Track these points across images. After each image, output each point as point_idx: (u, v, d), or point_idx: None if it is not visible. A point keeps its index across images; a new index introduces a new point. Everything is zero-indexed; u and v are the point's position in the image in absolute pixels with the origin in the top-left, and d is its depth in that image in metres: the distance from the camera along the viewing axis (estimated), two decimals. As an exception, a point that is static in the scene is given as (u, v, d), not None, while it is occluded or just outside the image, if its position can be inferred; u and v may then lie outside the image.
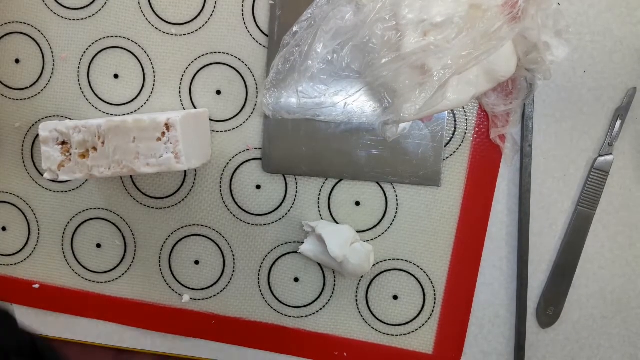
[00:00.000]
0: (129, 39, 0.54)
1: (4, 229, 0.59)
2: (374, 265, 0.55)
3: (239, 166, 0.55)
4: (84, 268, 0.58)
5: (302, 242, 0.55)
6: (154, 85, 0.55)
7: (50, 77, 0.56)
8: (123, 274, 0.58)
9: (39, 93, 0.56)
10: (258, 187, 0.55)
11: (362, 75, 0.47)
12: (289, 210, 0.55)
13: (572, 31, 0.49)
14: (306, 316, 0.57)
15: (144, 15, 0.54)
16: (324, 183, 0.54)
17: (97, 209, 0.57)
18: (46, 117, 0.56)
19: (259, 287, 0.57)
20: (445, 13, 0.43)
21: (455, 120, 0.53)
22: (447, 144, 0.53)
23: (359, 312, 0.56)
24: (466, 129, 0.53)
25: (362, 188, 0.54)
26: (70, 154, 0.47)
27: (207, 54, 0.54)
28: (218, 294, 0.57)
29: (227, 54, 0.54)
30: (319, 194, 0.55)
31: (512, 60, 0.47)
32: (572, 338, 0.55)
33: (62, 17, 0.55)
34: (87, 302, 0.58)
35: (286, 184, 0.55)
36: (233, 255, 0.57)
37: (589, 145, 0.53)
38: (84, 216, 0.57)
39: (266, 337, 0.57)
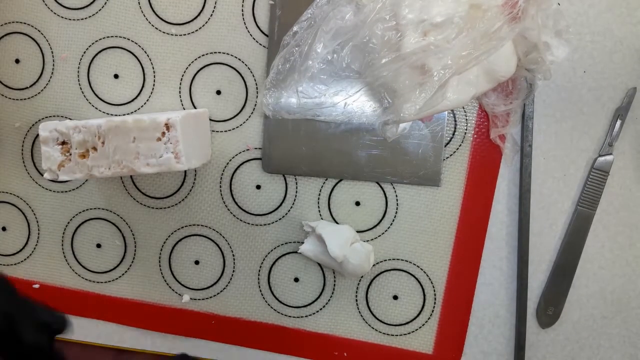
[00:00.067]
0: (129, 39, 0.54)
1: (4, 229, 0.59)
2: (374, 265, 0.55)
3: (239, 166, 0.55)
4: (84, 268, 0.58)
5: (302, 242, 0.55)
6: (154, 85, 0.55)
7: (50, 77, 0.56)
8: (123, 274, 0.58)
9: (39, 93, 0.56)
10: (258, 187, 0.55)
11: (362, 75, 0.47)
12: (289, 210, 0.55)
13: (572, 31, 0.49)
14: (306, 316, 0.57)
15: (144, 15, 0.54)
16: (324, 183, 0.54)
17: (97, 209, 0.57)
18: (46, 117, 0.56)
19: (259, 287, 0.57)
20: (445, 13, 0.43)
21: (455, 120, 0.53)
22: (447, 144, 0.53)
23: (359, 312, 0.56)
24: (466, 129, 0.53)
25: (362, 188, 0.54)
26: (70, 154, 0.47)
27: (207, 54, 0.54)
28: (218, 294, 0.57)
29: (227, 54, 0.54)
30: (319, 194, 0.55)
31: (512, 60, 0.47)
32: (572, 338, 0.55)
33: (62, 17, 0.55)
34: (87, 302, 0.58)
35: (286, 184, 0.55)
36: (233, 255, 0.57)
37: (589, 145, 0.53)
38: (84, 216, 0.57)
39: (266, 337, 0.57)
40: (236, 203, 0.56)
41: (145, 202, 0.56)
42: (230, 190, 0.55)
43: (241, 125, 0.54)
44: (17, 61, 0.56)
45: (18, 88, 0.56)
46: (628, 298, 0.54)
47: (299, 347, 0.57)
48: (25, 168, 0.57)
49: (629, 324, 0.55)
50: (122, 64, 0.55)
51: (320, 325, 0.57)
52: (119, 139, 0.45)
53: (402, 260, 0.55)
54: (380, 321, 0.56)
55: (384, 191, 0.54)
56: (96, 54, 0.55)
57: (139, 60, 0.55)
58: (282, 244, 0.56)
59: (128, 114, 0.55)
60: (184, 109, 0.55)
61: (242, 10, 0.53)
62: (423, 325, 0.56)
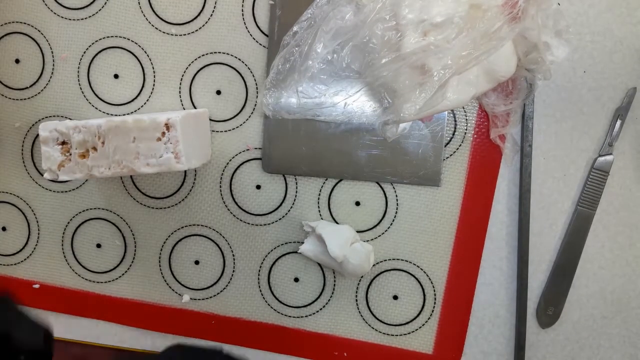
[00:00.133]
0: (129, 39, 0.54)
1: (4, 229, 0.59)
2: (374, 265, 0.55)
3: (239, 166, 0.55)
4: (84, 268, 0.58)
5: (302, 242, 0.55)
6: (154, 85, 0.55)
7: (50, 77, 0.56)
8: (123, 274, 0.58)
9: (39, 93, 0.56)
10: (258, 187, 0.55)
11: (362, 75, 0.47)
12: (289, 210, 0.55)
13: (572, 31, 0.49)
14: (306, 316, 0.57)
15: (144, 15, 0.54)
16: (324, 183, 0.54)
17: (97, 209, 0.57)
18: (46, 117, 0.56)
19: (259, 287, 0.57)
20: (445, 13, 0.43)
21: (455, 120, 0.53)
22: (447, 144, 0.53)
23: (359, 312, 0.56)
24: (466, 129, 0.53)
25: (362, 188, 0.54)
26: (70, 154, 0.47)
27: (207, 54, 0.54)
28: (218, 294, 0.57)
29: (227, 54, 0.54)
30: (319, 194, 0.55)
31: (512, 60, 0.47)
32: (572, 338, 0.55)
33: (62, 17, 0.55)
34: (87, 302, 0.58)
35: (286, 184, 0.55)
36: (233, 255, 0.57)
37: (589, 145, 0.53)
38: (84, 216, 0.57)
39: (266, 337, 0.57)
40: (236, 203, 0.56)
41: (145, 202, 0.56)
42: (230, 190, 0.55)
43: (241, 125, 0.54)
44: (17, 61, 0.56)
45: (18, 88, 0.56)
46: (628, 298, 0.54)
47: (299, 347, 0.57)
48: (25, 168, 0.57)
49: (629, 324, 0.55)
50: (122, 64, 0.55)
51: (320, 325, 0.57)
52: (119, 139, 0.45)
53: (402, 260, 0.55)
54: (380, 321, 0.56)
55: (384, 191, 0.54)
56: (96, 54, 0.55)
57: (139, 60, 0.55)
58: (282, 244, 0.56)
59: (128, 114, 0.55)
60: (184, 109, 0.55)
61: (242, 10, 0.53)
62: (423, 325, 0.56)
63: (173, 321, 0.58)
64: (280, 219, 0.55)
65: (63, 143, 0.47)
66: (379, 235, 0.55)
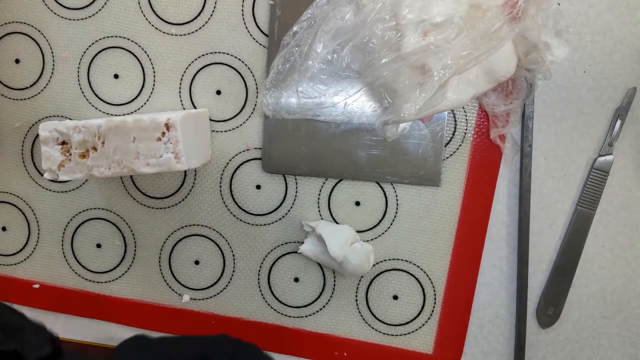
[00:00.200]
0: (129, 39, 0.54)
1: (4, 229, 0.59)
2: (374, 265, 0.55)
3: (239, 166, 0.55)
4: (84, 268, 0.58)
5: (302, 242, 0.55)
6: (154, 85, 0.55)
7: (50, 77, 0.56)
8: (123, 274, 0.58)
9: (39, 93, 0.56)
10: (258, 187, 0.55)
11: (362, 75, 0.47)
12: (289, 210, 0.55)
13: (572, 31, 0.49)
14: (306, 316, 0.57)
15: (144, 15, 0.54)
16: (324, 183, 0.54)
17: (97, 209, 0.57)
18: (46, 117, 0.56)
19: (259, 287, 0.57)
20: (445, 13, 0.43)
21: (455, 120, 0.53)
22: (447, 144, 0.53)
23: (359, 312, 0.56)
24: (466, 129, 0.53)
25: (362, 188, 0.54)
26: (70, 154, 0.47)
27: (207, 54, 0.54)
28: (218, 294, 0.57)
29: (227, 54, 0.54)
30: (319, 194, 0.55)
31: (512, 60, 0.47)
32: (572, 338, 0.55)
33: (62, 17, 0.55)
34: (87, 302, 0.58)
35: (286, 184, 0.55)
36: (233, 255, 0.57)
37: (589, 145, 0.53)
38: (84, 216, 0.57)
39: (266, 337, 0.57)
40: (236, 203, 0.56)
41: (145, 202, 0.56)
42: (230, 190, 0.55)
43: (241, 125, 0.54)
44: (17, 61, 0.56)
45: (18, 88, 0.56)
46: (628, 298, 0.54)
47: (299, 347, 0.57)
48: (25, 168, 0.57)
49: (629, 324, 0.55)
50: (122, 64, 0.55)
51: (320, 325, 0.57)
52: (119, 139, 0.45)
53: (402, 260, 0.55)
54: (380, 321, 0.56)
55: (384, 191, 0.54)
56: (96, 54, 0.55)
57: (139, 60, 0.55)
58: (282, 244, 0.56)
59: (128, 114, 0.55)
60: (184, 109, 0.55)
61: (242, 10, 0.53)
62: (423, 325, 0.56)
63: (173, 321, 0.58)
64: (280, 219, 0.55)
65: (63, 143, 0.47)
66: (379, 235, 0.55)
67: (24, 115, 0.56)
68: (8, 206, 0.58)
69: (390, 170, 0.53)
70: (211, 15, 0.53)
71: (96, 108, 0.56)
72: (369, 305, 0.56)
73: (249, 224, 0.56)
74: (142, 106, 0.55)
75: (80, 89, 0.55)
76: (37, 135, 0.53)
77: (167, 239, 0.57)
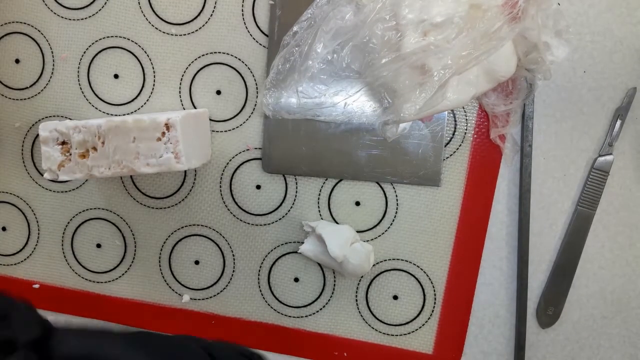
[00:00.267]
0: (129, 39, 0.54)
1: (4, 229, 0.59)
2: (374, 265, 0.55)
3: (239, 166, 0.55)
4: (84, 268, 0.58)
5: (302, 242, 0.55)
6: (154, 85, 0.55)
7: (50, 77, 0.56)
8: (123, 274, 0.58)
9: (39, 93, 0.56)
10: (258, 187, 0.55)
11: (362, 75, 0.47)
12: (289, 210, 0.55)
13: (572, 31, 0.49)
14: (306, 316, 0.57)
15: (144, 15, 0.54)
16: (324, 183, 0.54)
17: (97, 209, 0.57)
18: (46, 117, 0.56)
19: (259, 287, 0.57)
20: (445, 13, 0.43)
21: (455, 120, 0.53)
22: (447, 144, 0.53)
23: (359, 312, 0.56)
24: (466, 129, 0.53)
25: (362, 188, 0.54)
26: (70, 154, 0.47)
27: (207, 54, 0.54)
28: (218, 294, 0.57)
29: (227, 54, 0.54)
30: (319, 194, 0.55)
31: (512, 60, 0.47)
32: (572, 338, 0.55)
33: (62, 17, 0.55)
34: (87, 302, 0.58)
35: (286, 184, 0.55)
36: (233, 255, 0.57)
37: (589, 145, 0.53)
38: (84, 216, 0.57)
39: (266, 337, 0.57)
40: (236, 203, 0.56)
41: (145, 202, 0.56)
42: (230, 190, 0.55)
43: (241, 125, 0.54)
44: (17, 61, 0.56)
45: (18, 88, 0.56)
46: (628, 298, 0.54)
47: (299, 347, 0.57)
48: (25, 168, 0.57)
49: (629, 324, 0.55)
50: (122, 64, 0.55)
51: (320, 325, 0.57)
52: (119, 139, 0.45)
53: (402, 260, 0.55)
54: (380, 321, 0.56)
55: (384, 191, 0.54)
56: (96, 54, 0.55)
57: (139, 60, 0.55)
58: (282, 244, 0.56)
59: (128, 114, 0.55)
60: (184, 109, 0.55)
61: (242, 10, 0.53)
62: (423, 325, 0.56)
63: (173, 321, 0.58)
64: (280, 219, 0.55)
65: (63, 143, 0.47)
66: (379, 235, 0.55)
67: (24, 115, 0.56)
68: (8, 206, 0.58)
69: (390, 170, 0.53)
70: (211, 15, 0.53)
71: (96, 108, 0.56)
72: (369, 305, 0.56)
73: (249, 224, 0.56)
74: (142, 106, 0.55)
75: (80, 89, 0.55)
76: (37, 135, 0.53)
77: (167, 239, 0.57)
